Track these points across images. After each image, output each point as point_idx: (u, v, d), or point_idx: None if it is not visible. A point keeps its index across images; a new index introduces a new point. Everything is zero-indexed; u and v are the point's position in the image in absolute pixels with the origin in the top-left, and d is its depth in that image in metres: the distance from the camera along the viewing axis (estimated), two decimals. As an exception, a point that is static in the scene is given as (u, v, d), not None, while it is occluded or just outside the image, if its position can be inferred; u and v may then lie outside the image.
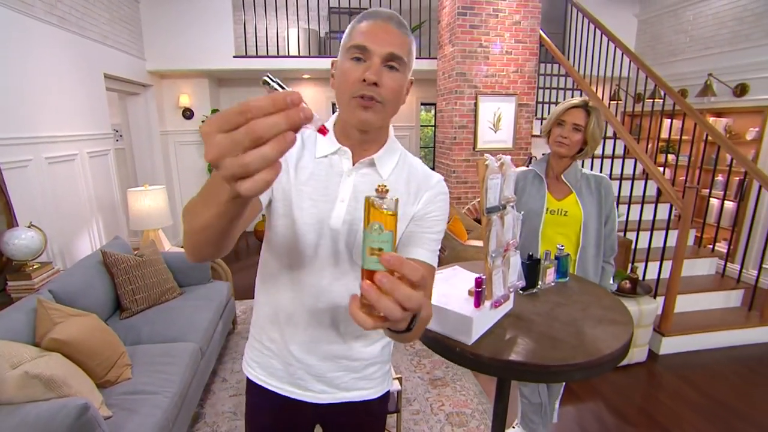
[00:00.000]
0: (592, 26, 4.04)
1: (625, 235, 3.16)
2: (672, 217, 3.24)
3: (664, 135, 4.42)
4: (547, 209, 1.56)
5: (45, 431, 1.21)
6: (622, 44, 3.68)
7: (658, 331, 2.79)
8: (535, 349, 0.99)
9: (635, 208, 3.15)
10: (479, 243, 3.39)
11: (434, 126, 6.21)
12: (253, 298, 0.95)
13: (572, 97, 4.37)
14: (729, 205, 4.12)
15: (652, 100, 3.97)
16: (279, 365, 0.88)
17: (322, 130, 0.43)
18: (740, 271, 3.13)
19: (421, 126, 6.46)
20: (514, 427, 1.99)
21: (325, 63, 4.62)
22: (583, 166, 1.64)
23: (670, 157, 4.62)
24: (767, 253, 3.07)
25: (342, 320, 0.84)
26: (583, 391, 2.42)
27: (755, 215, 3.15)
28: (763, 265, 3.22)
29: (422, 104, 6.19)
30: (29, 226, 2.12)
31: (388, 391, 0.98)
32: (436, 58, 4.55)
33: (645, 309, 2.58)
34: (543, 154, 2.84)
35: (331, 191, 0.79)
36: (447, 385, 2.44)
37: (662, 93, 3.39)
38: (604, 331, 1.06)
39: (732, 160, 2.93)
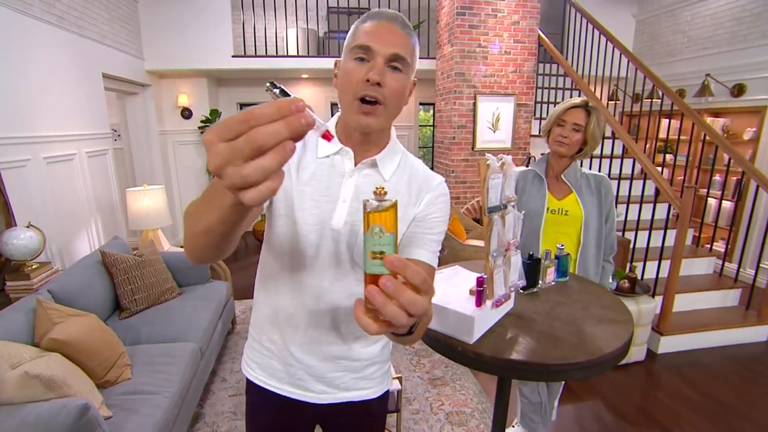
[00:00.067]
0: (590, 26, 4.05)
1: (623, 234, 3.17)
2: (670, 216, 3.25)
3: (662, 135, 4.44)
4: (547, 209, 1.57)
5: (45, 431, 1.20)
6: (621, 44, 3.69)
7: (656, 330, 2.81)
8: (536, 348, 0.99)
9: (634, 208, 3.17)
10: (478, 242, 3.39)
11: (433, 126, 6.21)
12: (252, 298, 0.95)
13: (571, 97, 4.39)
14: (726, 204, 4.14)
15: (650, 100, 3.98)
16: (279, 366, 0.88)
17: (327, 136, 0.43)
18: (738, 271, 3.15)
19: (420, 126, 6.46)
20: (513, 426, 2.00)
21: (323, 63, 4.62)
22: (582, 166, 1.65)
23: (668, 156, 4.63)
24: (764, 253, 3.09)
25: (342, 321, 0.84)
26: (582, 389, 2.42)
27: (753, 215, 3.17)
28: (761, 265, 3.24)
29: (421, 104, 6.20)
30: (28, 226, 2.11)
31: (388, 391, 0.98)
32: (434, 58, 4.55)
33: (643, 308, 2.59)
34: (542, 154, 2.84)
35: (332, 192, 0.79)
36: (446, 384, 2.44)
37: (660, 93, 3.41)
38: (605, 330, 1.07)
39: (730, 159, 2.94)
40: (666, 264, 2.81)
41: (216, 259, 0.64)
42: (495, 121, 4.14)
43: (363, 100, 0.71)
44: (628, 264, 2.94)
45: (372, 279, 0.45)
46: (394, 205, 0.46)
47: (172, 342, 2.09)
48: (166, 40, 4.26)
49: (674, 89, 3.99)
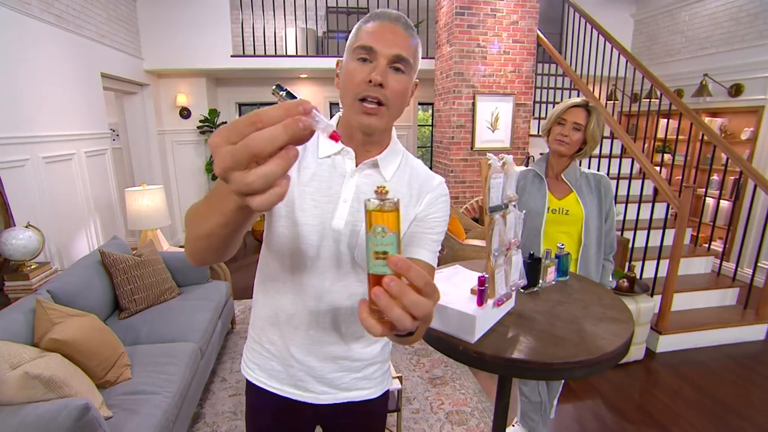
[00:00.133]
0: (589, 26, 4.06)
1: (622, 234, 3.18)
2: (669, 216, 3.26)
3: (661, 135, 4.45)
4: (548, 208, 1.58)
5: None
6: (619, 44, 3.70)
7: (655, 329, 2.82)
8: (538, 346, 1.00)
9: (632, 207, 3.18)
10: (477, 242, 3.40)
11: (431, 125, 6.22)
12: (251, 297, 0.95)
13: (570, 96, 4.40)
14: (724, 204, 4.16)
15: (648, 100, 3.99)
16: (279, 367, 0.88)
17: (334, 137, 0.42)
18: (735, 270, 3.16)
19: (419, 125, 6.47)
20: (513, 426, 2.00)
21: (322, 63, 4.62)
22: (580, 165, 1.65)
23: (666, 156, 4.65)
24: (762, 252, 3.10)
25: (343, 321, 0.84)
26: (581, 388, 2.43)
27: (750, 214, 3.19)
28: (758, 264, 3.25)
29: (419, 104, 6.20)
30: (27, 226, 2.10)
31: (388, 390, 0.98)
32: (433, 58, 4.56)
33: (642, 307, 2.60)
34: (541, 154, 2.84)
35: (333, 192, 0.78)
36: (446, 383, 2.45)
37: (658, 93, 3.42)
38: (605, 329, 1.07)
39: (727, 159, 2.96)
40: (664, 263, 2.83)
41: (218, 261, 0.63)
42: (494, 120, 4.15)
43: (365, 100, 0.71)
44: (627, 263, 2.95)
45: (375, 279, 0.44)
46: (397, 205, 0.45)
47: (172, 342, 2.09)
48: (164, 40, 4.26)
49: (672, 89, 4.00)
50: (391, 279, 0.42)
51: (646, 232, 3.05)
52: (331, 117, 0.86)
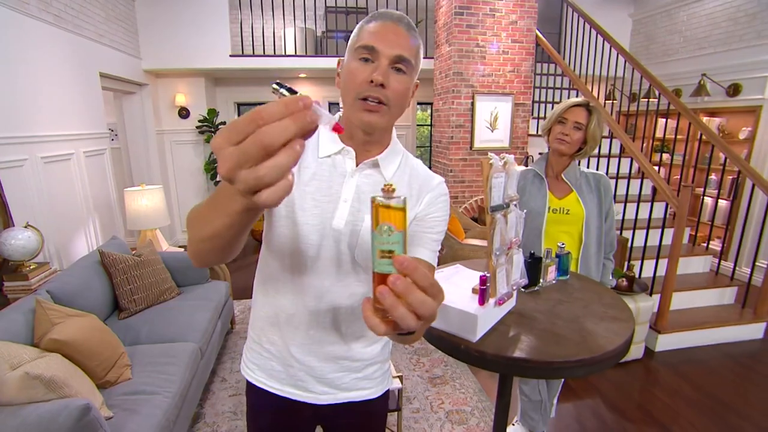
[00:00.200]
0: (587, 26, 4.07)
1: (621, 233, 3.19)
2: (667, 215, 3.28)
3: (659, 134, 4.46)
4: (549, 208, 1.58)
5: (47, 432, 1.20)
6: (618, 44, 3.71)
7: (654, 328, 2.83)
8: (539, 345, 1.00)
9: (631, 207, 3.19)
10: (477, 242, 3.40)
11: (430, 125, 6.22)
12: (250, 297, 0.94)
13: (568, 96, 4.42)
14: (723, 203, 4.18)
15: (646, 100, 4.01)
16: (279, 367, 0.88)
17: (338, 129, 0.42)
18: (734, 269, 3.18)
19: (417, 125, 6.47)
20: (513, 425, 2.01)
21: (321, 62, 4.62)
22: (579, 165, 1.66)
23: (665, 156, 4.67)
24: (760, 251, 3.12)
25: (343, 321, 0.84)
26: (581, 387, 2.44)
27: (748, 213, 3.20)
28: (757, 263, 3.27)
29: (418, 104, 6.20)
30: (26, 226, 2.10)
31: (388, 390, 0.98)
32: (432, 58, 4.56)
33: (641, 306, 2.61)
34: (540, 154, 2.84)
35: (334, 191, 0.78)
36: (446, 383, 2.45)
37: (657, 93, 3.43)
38: (606, 328, 1.08)
39: (725, 159, 2.97)
40: (663, 262, 2.83)
41: (221, 262, 0.63)
42: (493, 120, 4.16)
43: (366, 100, 0.71)
44: (626, 262, 2.96)
45: (380, 278, 0.44)
46: (404, 203, 0.45)
47: (172, 342, 2.09)
48: (163, 40, 4.25)
49: (670, 89, 4.01)
50: (397, 278, 0.42)
51: (644, 231, 3.06)
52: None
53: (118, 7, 3.77)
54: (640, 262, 3.03)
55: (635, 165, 3.70)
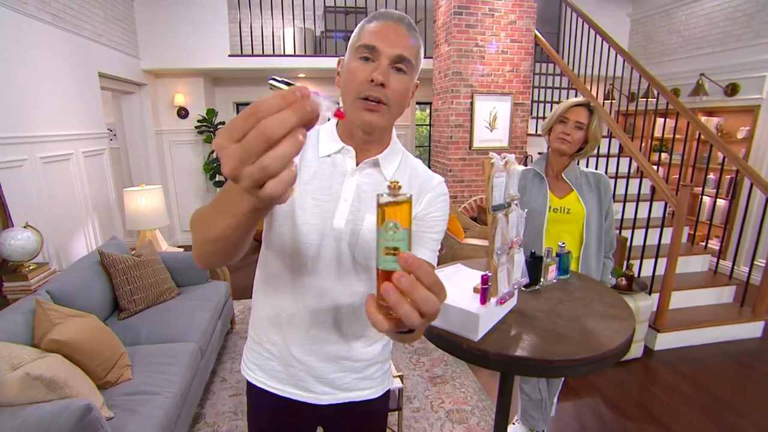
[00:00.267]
0: (586, 26, 4.08)
1: (620, 232, 3.20)
2: (666, 214, 3.28)
3: (658, 134, 4.47)
4: (549, 207, 1.58)
5: (48, 433, 1.20)
6: (616, 44, 3.72)
7: (653, 327, 2.83)
8: (540, 344, 1.00)
9: (630, 206, 3.19)
10: (476, 241, 3.41)
11: (429, 125, 6.22)
12: (250, 297, 0.94)
13: (567, 96, 4.42)
14: (721, 202, 4.19)
15: (645, 99, 4.02)
16: (280, 367, 0.87)
17: (339, 114, 0.42)
18: (732, 268, 3.18)
19: (416, 125, 6.48)
20: (514, 424, 2.01)
21: (320, 62, 4.61)
22: (579, 164, 1.67)
23: (663, 155, 4.68)
24: (758, 250, 3.13)
25: (344, 321, 0.84)
26: (581, 386, 2.45)
27: (746, 213, 3.21)
28: (755, 262, 3.28)
29: (417, 103, 6.20)
30: (25, 227, 2.09)
31: (389, 390, 0.98)
32: (431, 58, 4.56)
33: (641, 305, 2.62)
34: (539, 153, 2.84)
35: (334, 191, 0.78)
36: (446, 382, 2.46)
37: (655, 92, 3.44)
38: (607, 326, 1.08)
39: (724, 158, 2.98)
40: (662, 261, 2.84)
41: (227, 264, 0.63)
42: (492, 120, 4.16)
43: (366, 99, 0.71)
44: (625, 262, 2.96)
45: (385, 275, 0.44)
46: (409, 201, 0.45)
47: (172, 342, 2.08)
48: (162, 39, 4.24)
49: (669, 88, 4.02)
50: (402, 275, 0.42)
51: (644, 230, 3.07)
52: (329, 118, 0.86)
53: (117, 7, 3.76)
54: (639, 261, 3.04)
55: (634, 164, 3.71)
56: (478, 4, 3.86)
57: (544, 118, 4.31)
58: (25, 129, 2.38)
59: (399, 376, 1.79)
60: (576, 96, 4.07)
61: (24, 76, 2.41)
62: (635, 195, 3.31)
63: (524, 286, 1.28)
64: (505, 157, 1.03)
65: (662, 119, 4.30)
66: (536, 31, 4.08)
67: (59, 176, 2.70)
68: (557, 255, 1.39)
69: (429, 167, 0.89)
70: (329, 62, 4.52)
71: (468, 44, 3.94)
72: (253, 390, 0.93)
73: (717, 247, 3.92)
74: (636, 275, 2.88)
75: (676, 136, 3.49)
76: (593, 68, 4.22)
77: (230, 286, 2.98)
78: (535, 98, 4.41)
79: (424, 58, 4.59)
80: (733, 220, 4.02)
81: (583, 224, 1.57)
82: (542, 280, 1.33)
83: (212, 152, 4.96)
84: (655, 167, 3.20)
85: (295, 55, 4.80)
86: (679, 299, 2.99)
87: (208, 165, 4.98)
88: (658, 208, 3.42)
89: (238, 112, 5.77)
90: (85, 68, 3.12)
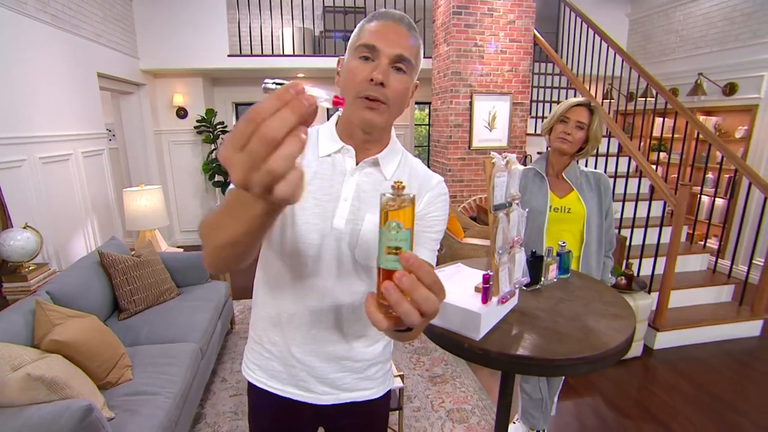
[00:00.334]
0: (584, 26, 4.09)
1: (619, 232, 3.20)
2: (665, 214, 3.29)
3: (656, 133, 4.48)
4: (550, 207, 1.59)
5: (49, 433, 1.20)
6: (615, 43, 3.73)
7: (652, 326, 2.84)
8: (542, 343, 1.00)
9: (629, 206, 3.20)
10: (476, 241, 3.41)
11: (428, 125, 6.23)
12: (250, 297, 0.94)
13: (566, 96, 4.43)
14: (719, 202, 4.20)
15: (644, 99, 4.02)
16: (280, 367, 0.87)
17: (338, 101, 0.42)
18: (731, 267, 3.20)
19: (416, 125, 6.48)
20: (514, 423, 2.02)
21: (319, 62, 4.61)
22: (578, 164, 1.67)
23: (662, 155, 4.69)
24: (757, 249, 3.14)
25: (345, 321, 0.84)
26: (581, 385, 2.45)
27: (745, 212, 3.22)
28: (753, 261, 3.29)
29: (416, 103, 6.21)
30: (25, 227, 2.09)
31: (390, 390, 0.98)
32: (430, 57, 4.57)
33: (640, 304, 2.63)
34: (538, 153, 2.85)
35: (334, 190, 0.78)
36: (447, 382, 2.46)
37: (654, 92, 3.44)
38: (608, 325, 1.09)
39: (722, 157, 2.99)
40: (661, 260, 2.85)
41: (238, 267, 0.63)
42: (491, 120, 4.17)
43: (366, 98, 0.71)
44: (625, 261, 2.97)
45: (386, 274, 0.45)
46: (413, 201, 0.45)
47: (172, 342, 2.08)
48: (161, 40, 4.23)
49: (667, 88, 4.03)
50: (403, 274, 0.42)
51: (643, 229, 3.07)
52: (328, 118, 0.86)
53: (116, 7, 3.76)
54: (638, 260, 3.05)
55: (633, 164, 3.72)
56: (477, 3, 3.86)
57: (543, 117, 4.31)
58: (24, 129, 2.38)
59: (399, 375, 1.79)
60: (575, 95, 4.08)
61: (23, 77, 2.40)
62: (634, 194, 3.32)
63: (525, 286, 1.28)
64: (506, 157, 1.03)
65: (661, 119, 4.30)
66: (535, 31, 4.09)
67: (58, 176, 2.70)
68: (558, 254, 1.40)
69: (428, 167, 0.89)
70: (328, 62, 4.52)
71: (467, 44, 3.94)
72: (254, 390, 0.93)
73: (716, 246, 3.94)
74: (635, 274, 2.89)
75: (675, 136, 3.50)
76: (592, 68, 4.23)
77: (230, 286, 2.98)
78: (534, 98, 4.42)
79: (423, 58, 4.62)
80: (732, 219, 4.03)
81: (584, 223, 1.57)
82: (543, 279, 1.34)
83: (211, 152, 4.95)
84: (654, 167, 3.21)
85: (294, 55, 4.80)
86: (678, 298, 2.99)
87: (207, 165, 4.97)
88: (657, 208, 3.43)
89: (237, 112, 5.77)
90: (84, 68, 3.12)
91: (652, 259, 2.97)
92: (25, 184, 2.35)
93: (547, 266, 1.34)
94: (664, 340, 2.85)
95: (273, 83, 0.46)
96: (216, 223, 0.54)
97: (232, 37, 4.59)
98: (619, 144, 3.50)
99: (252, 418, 0.98)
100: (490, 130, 4.18)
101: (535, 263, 1.29)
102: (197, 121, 4.84)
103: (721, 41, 4.23)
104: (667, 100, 3.21)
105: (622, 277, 2.72)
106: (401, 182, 0.46)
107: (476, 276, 1.19)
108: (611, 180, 1.69)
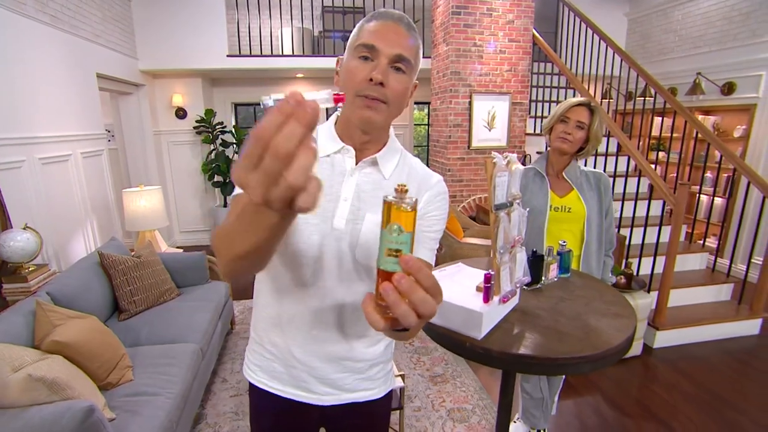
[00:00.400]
0: (583, 25, 4.10)
1: (619, 231, 3.21)
2: (664, 213, 3.30)
3: (655, 132, 4.49)
4: (550, 206, 1.59)
5: (50, 434, 1.20)
6: (614, 43, 3.73)
7: (652, 325, 2.85)
8: (543, 342, 1.01)
9: (628, 205, 3.21)
10: (475, 240, 3.42)
11: (428, 125, 6.23)
12: (250, 298, 0.94)
13: (565, 95, 4.44)
14: (718, 201, 4.21)
15: (642, 98, 4.03)
16: (281, 368, 0.87)
17: (339, 98, 0.43)
18: (730, 266, 3.21)
19: (415, 125, 6.49)
20: (515, 422, 2.02)
21: (318, 62, 4.61)
22: (578, 163, 1.67)
23: (661, 154, 4.70)
24: (755, 248, 3.15)
25: (346, 321, 0.84)
26: (581, 384, 2.46)
27: (744, 211, 3.22)
28: (752, 260, 3.30)
29: (415, 103, 6.21)
30: (24, 228, 2.09)
31: (392, 390, 0.98)
32: (429, 57, 4.57)
33: (639, 304, 2.63)
34: (538, 152, 2.85)
35: (334, 191, 0.78)
36: (447, 381, 2.46)
37: (653, 91, 3.45)
38: (608, 324, 1.09)
39: (721, 157, 2.99)
40: (661, 260, 2.86)
41: (254, 273, 0.63)
42: (490, 119, 4.17)
43: (365, 98, 0.71)
44: (624, 260, 2.98)
45: (385, 275, 0.45)
46: (415, 205, 0.45)
47: (172, 343, 2.08)
48: (160, 40, 4.23)
49: (666, 87, 4.04)
50: (402, 276, 0.43)
51: (642, 229, 3.08)
52: (327, 118, 0.86)
53: (115, 8, 3.75)
54: (637, 259, 3.06)
55: (632, 163, 3.72)
56: (476, 3, 3.87)
57: (542, 117, 4.32)
58: (23, 130, 2.37)
59: (400, 375, 1.80)
60: (574, 95, 4.09)
61: (22, 77, 2.40)
62: (633, 193, 3.32)
63: (526, 285, 1.28)
64: (507, 157, 1.03)
65: (660, 118, 4.31)
66: (534, 31, 4.09)
67: (58, 177, 2.69)
68: (558, 254, 1.40)
69: (427, 167, 0.89)
70: (327, 62, 4.52)
71: (466, 44, 3.95)
72: (255, 391, 0.92)
73: (715, 245, 3.95)
74: (635, 273, 2.90)
75: (674, 135, 3.51)
76: (591, 67, 4.23)
77: (230, 286, 2.97)
78: (533, 97, 4.43)
79: (423, 58, 4.62)
80: (731, 218, 4.04)
81: (584, 223, 1.57)
82: (543, 278, 1.34)
83: (210, 152, 4.95)
84: (653, 166, 3.22)
85: (293, 55, 4.80)
86: (678, 297, 3.00)
87: (206, 165, 4.97)
88: (656, 207, 3.44)
89: (236, 112, 5.77)
90: (83, 69, 3.11)
91: (652, 258, 2.98)
92: (25, 184, 2.34)
93: (548, 265, 1.34)
94: (664, 338, 2.86)
95: (272, 100, 0.46)
96: (231, 234, 0.53)
97: (231, 37, 4.58)
98: (619, 143, 3.51)
99: (254, 419, 0.98)
100: (490, 130, 4.19)
101: (536, 262, 1.30)
102: (196, 121, 4.83)
103: (719, 40, 4.24)
104: (665, 100, 3.22)
105: (622, 276, 2.72)
106: (404, 185, 0.46)
107: (477, 275, 1.19)
108: (610, 179, 1.70)
